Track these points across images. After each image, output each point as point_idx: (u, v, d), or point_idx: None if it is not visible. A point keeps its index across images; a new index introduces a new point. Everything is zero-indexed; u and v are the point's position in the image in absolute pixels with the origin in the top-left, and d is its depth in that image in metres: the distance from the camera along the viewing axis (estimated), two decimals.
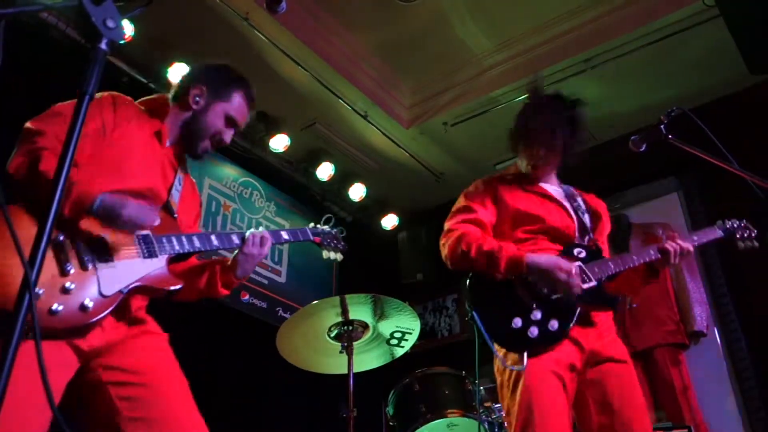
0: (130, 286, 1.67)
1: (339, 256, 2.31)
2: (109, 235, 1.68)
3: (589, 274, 2.19)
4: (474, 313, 2.16)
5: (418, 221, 5.93)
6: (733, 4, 3.54)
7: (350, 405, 2.90)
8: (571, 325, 2.11)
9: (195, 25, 4.14)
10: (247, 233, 1.98)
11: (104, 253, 1.66)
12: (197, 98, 2.01)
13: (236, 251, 1.98)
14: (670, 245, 2.27)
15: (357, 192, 5.64)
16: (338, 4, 4.46)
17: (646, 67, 4.57)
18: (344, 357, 3.02)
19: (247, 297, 4.79)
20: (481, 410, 3.12)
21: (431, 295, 5.79)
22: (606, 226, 2.56)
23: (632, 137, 2.47)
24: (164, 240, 1.79)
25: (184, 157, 2.07)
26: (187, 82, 2.06)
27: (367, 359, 3.25)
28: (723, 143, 2.32)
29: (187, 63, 4.12)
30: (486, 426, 3.08)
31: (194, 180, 2.16)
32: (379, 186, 5.78)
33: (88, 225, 1.65)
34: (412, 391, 3.16)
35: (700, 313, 4.05)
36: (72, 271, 1.57)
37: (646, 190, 4.89)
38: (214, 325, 4.51)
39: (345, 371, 3.01)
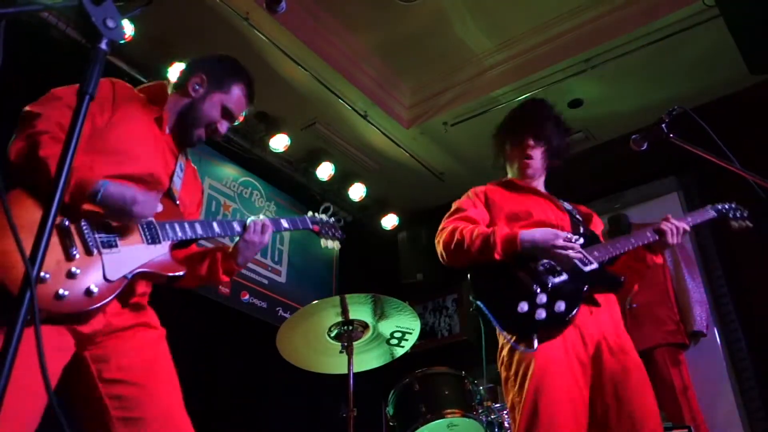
0: (135, 272, 1.68)
1: (337, 245, 2.32)
2: (111, 223, 1.68)
3: (590, 257, 2.21)
4: (479, 303, 2.16)
5: (418, 221, 5.93)
6: (733, 4, 3.54)
7: (350, 405, 2.90)
8: (579, 306, 2.10)
9: (195, 24, 4.14)
10: (248, 220, 2.00)
11: (109, 237, 1.66)
12: (196, 86, 2.02)
13: (237, 239, 2.00)
14: (665, 225, 2.30)
15: (357, 192, 5.64)
16: (338, 4, 4.46)
17: (646, 66, 4.58)
18: (344, 357, 3.02)
19: (247, 297, 4.79)
20: (480, 410, 3.12)
21: (431, 295, 5.80)
22: (598, 224, 2.59)
23: (633, 136, 2.48)
24: (167, 226, 1.79)
25: (182, 143, 2.06)
26: (189, 70, 2.07)
27: (367, 359, 3.24)
28: (723, 143, 2.32)
29: (187, 63, 4.11)
30: (486, 426, 3.08)
31: (195, 167, 2.15)
32: (379, 186, 5.78)
33: (91, 210, 1.65)
34: (412, 391, 3.16)
35: (700, 313, 4.05)
36: (77, 256, 1.57)
37: (646, 189, 4.89)
38: (214, 325, 4.51)
39: (345, 371, 3.01)
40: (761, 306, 4.18)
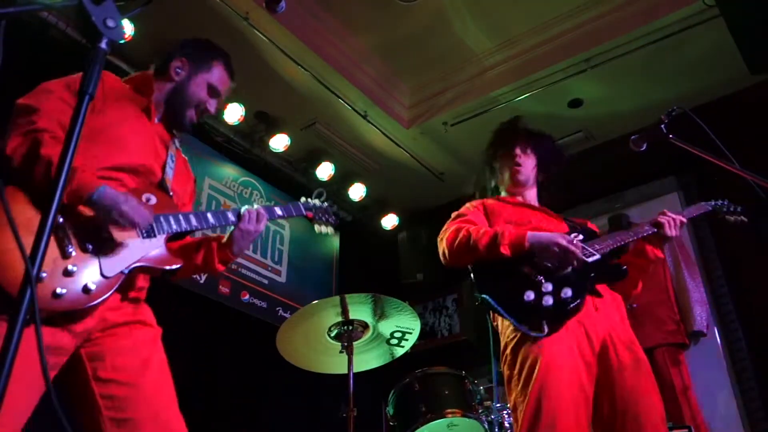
0: (131, 267, 1.67)
1: (331, 230, 2.32)
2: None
3: (591, 250, 2.24)
4: (485, 296, 2.17)
5: (418, 221, 5.93)
6: (734, 4, 3.54)
7: (350, 405, 2.90)
8: (585, 294, 2.12)
9: (195, 24, 4.14)
10: (242, 209, 2.00)
11: (104, 234, 1.65)
12: (178, 70, 2.03)
13: (232, 228, 2.00)
14: (663, 217, 2.34)
15: (357, 192, 5.64)
16: (338, 4, 4.46)
17: (646, 66, 4.57)
18: (344, 357, 3.02)
19: (247, 297, 4.79)
20: (480, 410, 3.11)
21: (431, 295, 5.79)
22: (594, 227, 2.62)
23: (633, 137, 2.48)
24: (162, 219, 1.79)
25: (173, 133, 2.06)
26: (167, 56, 2.07)
27: (367, 359, 3.25)
28: (723, 143, 2.32)
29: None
30: (486, 426, 3.08)
31: (185, 157, 2.14)
32: (379, 186, 5.78)
33: (86, 209, 1.64)
34: (412, 391, 3.16)
35: (700, 313, 4.05)
36: (73, 253, 1.57)
37: (646, 190, 4.89)
38: (214, 325, 4.51)
39: (345, 371, 3.01)
40: (761, 306, 4.18)
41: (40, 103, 1.69)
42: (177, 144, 2.07)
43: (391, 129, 5.21)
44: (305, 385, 4.55)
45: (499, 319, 2.29)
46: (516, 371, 2.12)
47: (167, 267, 1.76)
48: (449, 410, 3.07)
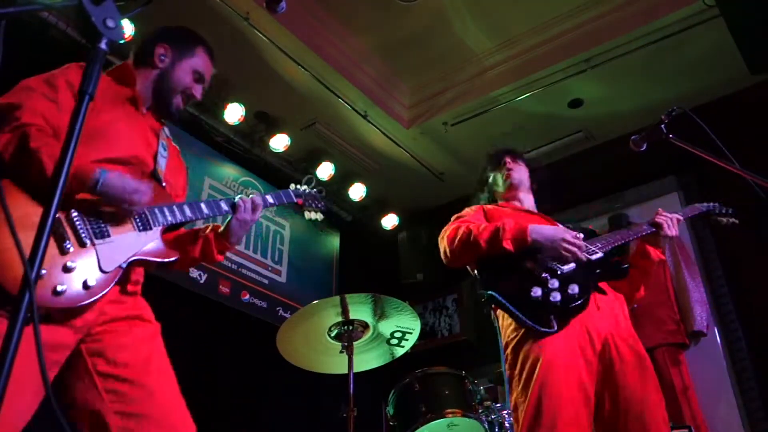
0: (129, 260, 1.67)
1: (320, 216, 2.33)
2: (104, 210, 1.67)
3: (593, 248, 2.24)
4: (491, 293, 2.16)
5: (418, 221, 5.93)
6: (734, 4, 3.54)
7: (350, 405, 2.90)
8: (591, 290, 2.13)
9: (195, 24, 4.07)
10: (237, 199, 2.00)
11: (100, 227, 1.65)
12: (162, 57, 2.03)
13: (228, 219, 2.01)
14: (659, 218, 2.37)
15: (357, 192, 5.64)
16: (338, 4, 4.46)
17: (646, 66, 4.57)
18: (344, 357, 3.02)
19: (247, 297, 4.79)
20: (480, 410, 3.11)
21: (431, 295, 5.79)
22: None
23: (633, 137, 2.49)
24: (156, 211, 1.79)
25: (161, 120, 2.05)
26: (148, 44, 2.07)
27: (368, 359, 3.24)
28: (723, 143, 2.32)
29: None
30: (486, 426, 3.08)
31: (177, 147, 2.13)
32: (379, 186, 5.78)
33: (83, 199, 1.64)
34: (412, 391, 3.16)
35: (700, 313, 4.05)
36: (71, 249, 1.56)
37: (646, 190, 4.89)
38: (214, 325, 4.51)
39: (345, 371, 3.01)
40: (761, 306, 4.18)
41: (22, 100, 1.68)
42: (167, 133, 2.06)
43: (391, 129, 5.21)
44: (305, 385, 4.55)
45: (500, 318, 2.29)
46: (517, 371, 2.12)
47: (164, 260, 1.76)
48: (449, 410, 3.07)
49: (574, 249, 2.16)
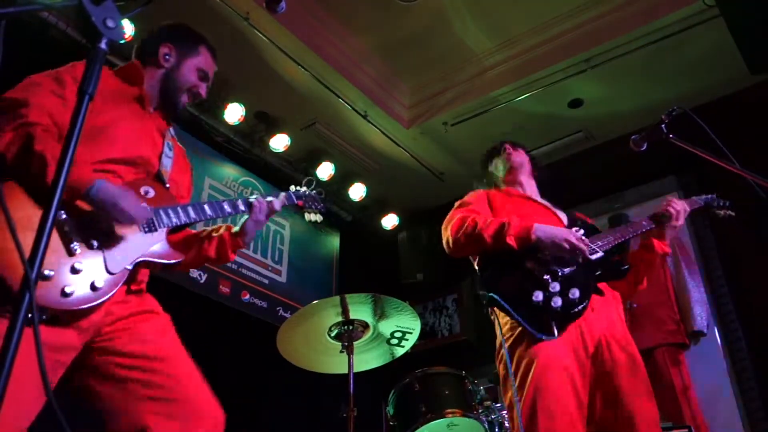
0: (135, 262, 1.67)
1: (319, 218, 2.36)
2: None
3: (594, 247, 2.23)
4: (492, 295, 2.15)
5: (418, 221, 5.93)
6: (734, 4, 3.54)
7: (350, 405, 2.90)
8: (592, 293, 2.13)
9: (195, 24, 4.08)
10: (252, 199, 2.03)
11: (105, 229, 1.65)
12: (167, 56, 2.04)
13: (244, 219, 2.05)
14: (671, 207, 2.38)
15: (357, 192, 5.64)
16: (338, 4, 4.46)
17: (646, 66, 4.57)
18: (344, 357, 3.02)
19: (247, 296, 4.79)
20: (480, 410, 3.11)
21: (431, 295, 5.79)
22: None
23: (633, 137, 2.49)
24: (162, 212, 1.79)
25: (168, 120, 2.05)
26: (151, 43, 2.07)
27: (368, 359, 3.24)
28: (723, 143, 2.32)
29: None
30: (486, 426, 3.08)
31: (183, 147, 2.13)
32: (379, 186, 5.78)
33: (84, 205, 1.63)
34: (412, 391, 3.16)
35: (700, 313, 4.05)
36: (78, 251, 1.56)
37: (646, 189, 4.89)
38: (214, 325, 4.51)
39: (345, 371, 3.00)
40: (761, 306, 4.18)
41: (28, 96, 1.66)
42: (173, 133, 2.07)
43: (391, 129, 5.21)
44: (305, 385, 4.55)
45: (497, 317, 2.28)
46: (511, 371, 2.12)
47: (169, 261, 1.76)
48: (449, 410, 3.06)
49: (577, 251, 2.15)
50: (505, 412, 3.11)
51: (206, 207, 1.92)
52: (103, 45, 1.08)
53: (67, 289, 1.50)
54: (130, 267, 1.66)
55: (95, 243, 1.60)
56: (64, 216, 1.57)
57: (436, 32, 4.63)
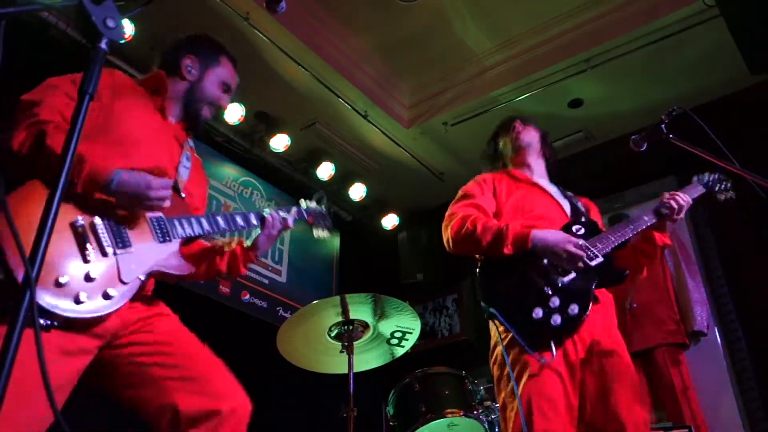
0: (148, 272, 1.68)
1: (327, 235, 2.35)
2: (125, 217, 1.67)
3: (594, 250, 2.20)
4: (492, 310, 2.14)
5: (419, 221, 5.93)
6: (734, 4, 3.54)
7: (350, 405, 2.90)
8: (590, 305, 2.10)
9: (195, 24, 4.13)
10: (266, 213, 2.03)
11: (121, 237, 1.65)
12: (189, 68, 2.03)
13: (258, 232, 2.04)
14: (672, 201, 2.30)
15: (357, 192, 5.64)
16: (338, 4, 4.46)
17: (646, 66, 4.57)
18: (344, 357, 3.02)
19: (247, 296, 4.79)
20: (480, 410, 3.11)
21: (431, 295, 5.79)
22: (597, 217, 2.60)
23: (633, 137, 2.48)
24: (176, 222, 1.79)
25: (188, 131, 2.06)
26: (174, 55, 2.06)
27: (368, 359, 3.24)
28: (723, 143, 2.32)
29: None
30: (486, 426, 3.08)
31: (200, 159, 2.14)
32: (379, 186, 5.78)
33: (104, 205, 1.63)
34: (412, 391, 3.16)
35: (701, 313, 4.04)
36: (93, 259, 1.56)
37: (646, 189, 4.89)
38: (214, 325, 4.51)
39: (345, 371, 3.01)
40: (761, 306, 4.18)
41: (44, 96, 1.68)
42: (191, 143, 2.07)
43: (391, 129, 5.21)
44: (305, 385, 4.55)
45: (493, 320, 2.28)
46: (506, 372, 2.12)
47: (182, 273, 1.77)
48: (449, 410, 3.06)
49: (576, 258, 2.13)
50: None
51: (220, 219, 1.91)
52: (103, 45, 1.08)
53: (81, 297, 1.50)
54: (143, 277, 1.66)
55: (110, 251, 1.60)
56: (80, 222, 1.57)
57: (436, 32, 4.63)
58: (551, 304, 2.10)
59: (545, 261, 2.19)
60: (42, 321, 1.44)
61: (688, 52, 4.47)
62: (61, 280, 1.47)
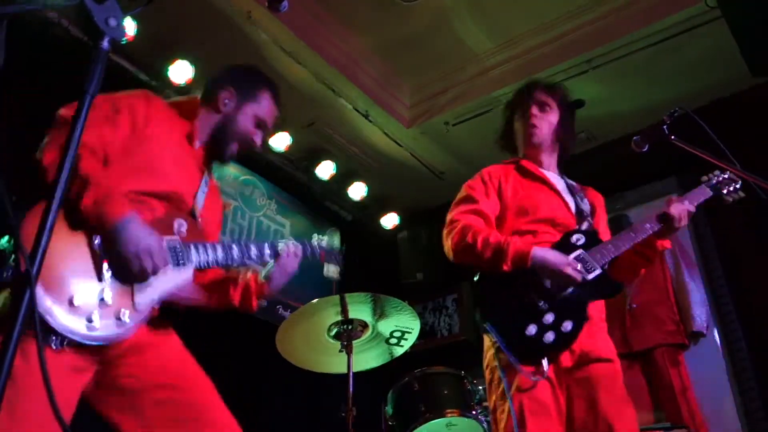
0: (162, 296, 1.67)
1: (337, 272, 2.34)
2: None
3: (592, 262, 2.19)
4: (487, 326, 2.13)
5: (419, 221, 5.93)
6: (736, 6, 3.54)
7: (349, 404, 2.90)
8: (584, 322, 2.10)
9: (197, 23, 4.14)
10: (280, 246, 1.99)
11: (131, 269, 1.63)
12: (226, 101, 2.00)
13: (270, 267, 1.99)
14: (674, 210, 2.27)
15: (357, 191, 5.64)
16: (339, 4, 4.46)
17: (647, 67, 4.57)
18: (344, 356, 3.02)
19: None
20: (479, 410, 3.12)
21: (431, 294, 5.79)
22: (603, 216, 2.59)
23: (634, 138, 2.48)
24: (192, 248, 1.77)
25: (212, 160, 2.04)
26: (215, 85, 2.05)
27: (367, 358, 3.25)
28: (724, 144, 2.32)
29: (188, 61, 4.12)
30: (485, 425, 3.08)
31: (218, 183, 2.13)
32: (379, 185, 5.78)
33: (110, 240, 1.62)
34: (411, 391, 3.16)
35: (700, 314, 4.05)
36: (108, 282, 1.56)
37: (647, 190, 4.89)
38: (214, 324, 4.50)
39: (344, 370, 3.01)
40: (761, 306, 4.18)
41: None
42: (213, 171, 2.06)
43: (392, 128, 5.21)
44: (305, 385, 4.55)
45: None
46: (496, 376, 2.13)
47: (194, 299, 1.78)
48: (448, 410, 3.07)
49: (573, 279, 2.12)
50: None
51: (234, 250, 1.87)
52: (105, 44, 1.09)
53: (93, 318, 1.50)
54: (156, 302, 1.66)
55: (124, 275, 1.59)
56: (97, 241, 1.56)
57: (438, 32, 4.63)
58: (545, 321, 2.10)
59: (544, 279, 2.18)
60: (53, 342, 1.45)
61: (690, 53, 4.46)
62: (75, 300, 1.47)
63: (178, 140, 1.90)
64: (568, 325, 2.09)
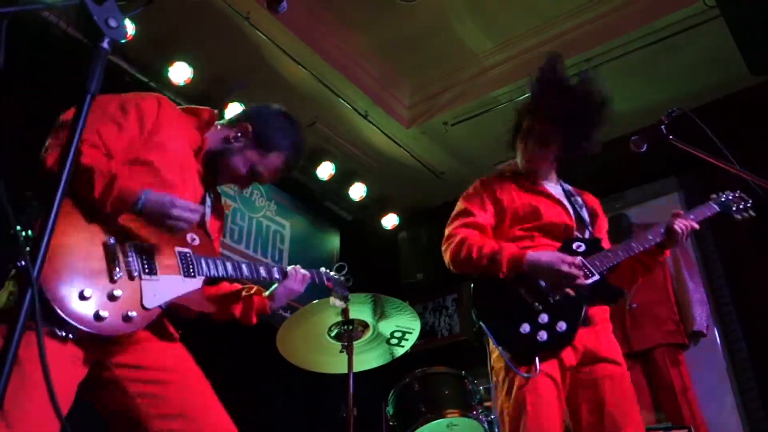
0: (169, 302, 1.68)
1: (343, 305, 2.38)
2: (155, 248, 1.69)
3: (591, 268, 2.20)
4: (481, 324, 2.15)
5: (419, 221, 5.93)
6: (735, 5, 3.54)
7: (350, 405, 2.90)
8: (579, 325, 2.10)
9: (196, 24, 4.14)
10: (289, 269, 2.03)
11: (150, 264, 1.66)
12: (239, 134, 1.98)
13: (275, 285, 2.05)
14: (678, 225, 2.26)
15: (357, 191, 5.64)
16: (339, 4, 4.46)
17: (646, 67, 4.57)
18: (344, 356, 3.02)
19: None
20: (480, 410, 3.12)
21: (431, 294, 5.79)
22: (603, 223, 2.59)
23: (633, 137, 2.48)
24: (203, 260, 1.79)
25: (211, 176, 2.04)
26: (244, 113, 2.05)
27: (367, 359, 3.24)
28: (723, 143, 2.32)
29: (188, 62, 4.12)
30: (485, 426, 3.09)
31: (219, 189, 2.13)
32: (379, 185, 5.78)
33: (134, 226, 1.65)
34: (411, 391, 3.16)
35: (700, 313, 4.05)
36: (120, 279, 1.58)
37: (647, 189, 4.89)
38: (214, 324, 4.50)
39: (345, 371, 3.00)
40: (761, 306, 4.18)
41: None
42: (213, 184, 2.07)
43: (391, 128, 5.21)
44: (305, 385, 4.55)
45: None
46: (501, 378, 2.15)
47: (200, 310, 1.78)
48: (449, 410, 3.07)
49: (571, 278, 2.13)
50: None
51: (244, 267, 1.90)
52: (104, 44, 1.08)
53: (101, 313, 1.51)
54: (163, 306, 1.67)
55: (136, 274, 1.62)
56: (112, 241, 1.59)
57: (437, 32, 4.63)
58: (539, 320, 2.11)
59: (540, 281, 2.18)
60: (59, 332, 1.47)
61: (689, 53, 4.47)
62: (86, 293, 1.50)
63: (186, 149, 1.89)
64: (562, 325, 2.09)
